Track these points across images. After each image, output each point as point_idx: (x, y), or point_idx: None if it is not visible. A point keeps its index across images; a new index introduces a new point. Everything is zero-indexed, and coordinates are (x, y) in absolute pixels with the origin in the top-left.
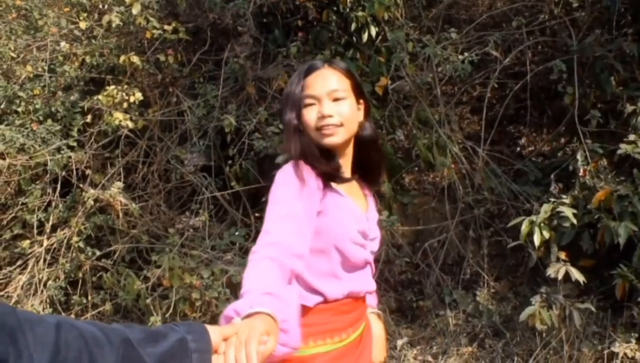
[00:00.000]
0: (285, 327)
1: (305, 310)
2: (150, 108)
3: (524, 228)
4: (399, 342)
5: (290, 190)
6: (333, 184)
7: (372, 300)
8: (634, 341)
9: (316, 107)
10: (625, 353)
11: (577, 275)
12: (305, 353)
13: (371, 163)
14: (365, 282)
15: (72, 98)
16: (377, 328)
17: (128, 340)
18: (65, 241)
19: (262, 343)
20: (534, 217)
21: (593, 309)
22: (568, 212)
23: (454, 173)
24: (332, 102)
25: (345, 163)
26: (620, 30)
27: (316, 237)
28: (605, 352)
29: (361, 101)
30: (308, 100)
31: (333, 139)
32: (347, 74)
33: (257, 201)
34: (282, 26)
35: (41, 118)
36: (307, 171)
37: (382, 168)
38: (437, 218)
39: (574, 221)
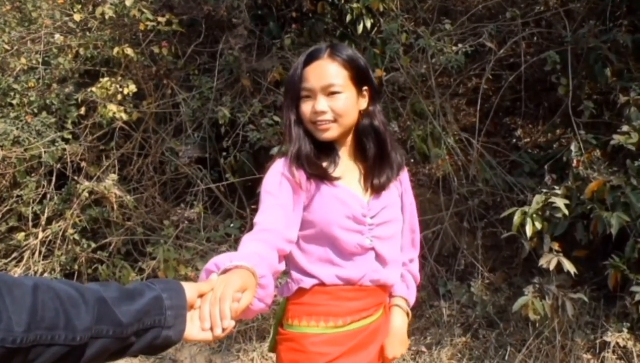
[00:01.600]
0: (264, 282)
1: (302, 291)
2: (145, 100)
3: (516, 219)
4: None
5: (276, 183)
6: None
7: (402, 291)
8: (625, 330)
9: (311, 101)
10: (617, 343)
11: (568, 266)
12: (297, 330)
13: (372, 150)
14: (367, 269)
15: (66, 90)
16: (397, 322)
17: (103, 299)
18: (60, 233)
19: (236, 300)
20: (526, 208)
21: (586, 299)
22: (560, 202)
23: (449, 164)
24: (326, 96)
25: (346, 152)
26: (615, 21)
27: (307, 226)
28: (598, 341)
29: (365, 88)
30: (304, 93)
31: (327, 134)
32: (347, 64)
33: (252, 193)
34: (276, 18)
35: (36, 110)
36: (290, 169)
37: (385, 155)
38: (432, 209)
39: (566, 212)
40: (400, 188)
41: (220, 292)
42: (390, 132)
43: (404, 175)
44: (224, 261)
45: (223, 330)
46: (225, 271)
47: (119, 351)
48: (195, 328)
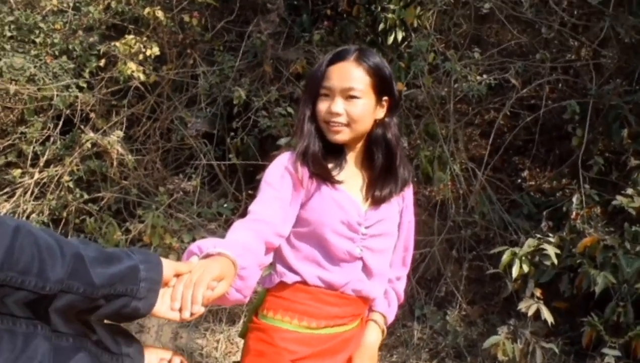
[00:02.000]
0: (244, 274)
1: (283, 285)
2: (165, 65)
3: (505, 257)
4: None
5: (278, 175)
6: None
7: (382, 307)
8: None
9: (329, 100)
10: None
11: (546, 314)
12: (271, 322)
13: (379, 161)
14: (351, 277)
15: (90, 39)
16: (370, 338)
17: (80, 256)
18: (56, 178)
19: (210, 288)
20: (517, 249)
21: (557, 350)
22: (551, 251)
23: (450, 191)
24: (344, 99)
25: (353, 158)
26: None
27: (301, 223)
28: None
29: (385, 98)
30: (323, 91)
31: (338, 137)
32: (372, 71)
33: (252, 178)
34: (310, 12)
35: (57, 53)
36: (294, 164)
37: (392, 168)
38: (424, 231)
39: (555, 261)
40: (402, 205)
41: (196, 277)
42: (402, 147)
43: (409, 192)
44: (207, 246)
45: (191, 314)
46: (207, 256)
47: (86, 311)
48: (165, 305)
